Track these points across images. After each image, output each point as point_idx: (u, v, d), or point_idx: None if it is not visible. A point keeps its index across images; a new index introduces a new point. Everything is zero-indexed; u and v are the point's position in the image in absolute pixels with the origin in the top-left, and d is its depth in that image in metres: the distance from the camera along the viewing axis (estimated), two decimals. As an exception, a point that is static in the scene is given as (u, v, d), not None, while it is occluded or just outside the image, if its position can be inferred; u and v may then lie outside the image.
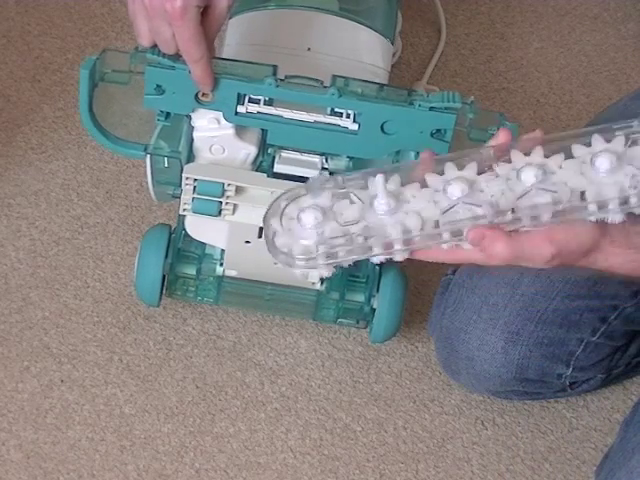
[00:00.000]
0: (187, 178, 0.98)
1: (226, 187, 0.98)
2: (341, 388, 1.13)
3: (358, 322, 1.12)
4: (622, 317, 1.04)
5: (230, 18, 1.11)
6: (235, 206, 1.00)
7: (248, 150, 0.98)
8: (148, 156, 1.00)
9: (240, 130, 0.97)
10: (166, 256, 1.07)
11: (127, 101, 0.98)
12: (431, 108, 0.92)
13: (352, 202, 0.73)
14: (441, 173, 0.74)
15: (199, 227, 1.04)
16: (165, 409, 1.09)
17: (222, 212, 1.00)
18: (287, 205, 0.75)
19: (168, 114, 0.96)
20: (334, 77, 0.94)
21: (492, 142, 0.76)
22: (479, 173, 0.73)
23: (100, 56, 0.95)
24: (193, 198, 0.99)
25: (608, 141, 0.73)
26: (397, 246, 0.72)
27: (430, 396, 1.13)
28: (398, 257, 0.73)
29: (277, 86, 0.92)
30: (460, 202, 0.71)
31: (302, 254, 0.72)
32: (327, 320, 1.12)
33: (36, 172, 1.25)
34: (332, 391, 1.12)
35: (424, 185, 0.74)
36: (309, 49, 1.06)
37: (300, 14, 1.09)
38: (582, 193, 0.71)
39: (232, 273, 1.06)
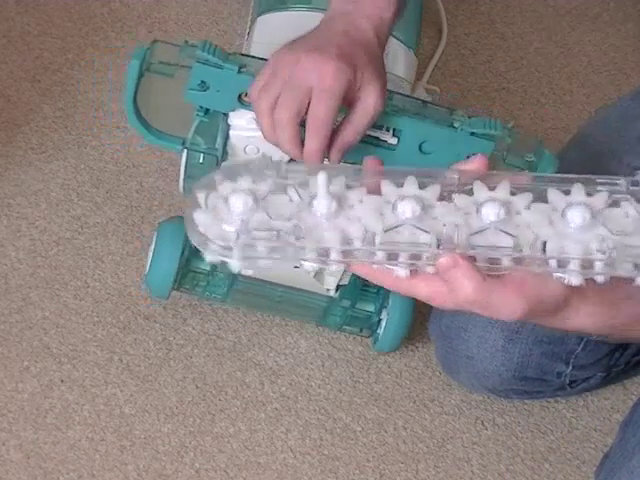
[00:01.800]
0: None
1: None
2: (341, 388, 1.13)
3: (362, 331, 1.12)
4: None
5: (258, 16, 1.11)
6: None
7: (281, 152, 0.98)
8: (185, 150, 1.00)
9: None
10: (183, 249, 1.07)
11: (166, 94, 0.98)
12: (472, 133, 0.92)
13: (290, 197, 0.66)
14: (400, 185, 0.66)
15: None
16: (165, 409, 1.09)
17: None
18: (221, 181, 0.66)
19: (207, 110, 0.96)
20: None
21: (463, 165, 0.68)
22: (440, 199, 0.65)
23: (151, 46, 0.95)
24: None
25: (589, 194, 0.65)
26: (334, 255, 0.63)
27: (430, 396, 1.13)
28: (333, 267, 0.66)
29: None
30: (407, 223, 0.64)
31: (219, 239, 0.64)
32: (332, 326, 1.12)
33: (36, 172, 1.25)
34: (332, 391, 1.12)
35: (374, 192, 0.67)
36: None
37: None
38: (544, 244, 0.63)
39: (249, 272, 1.06)
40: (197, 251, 1.07)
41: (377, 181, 0.66)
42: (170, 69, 0.95)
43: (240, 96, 0.93)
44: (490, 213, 0.63)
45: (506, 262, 0.63)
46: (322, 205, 0.64)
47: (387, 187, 0.66)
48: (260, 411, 1.10)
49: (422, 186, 0.65)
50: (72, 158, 1.27)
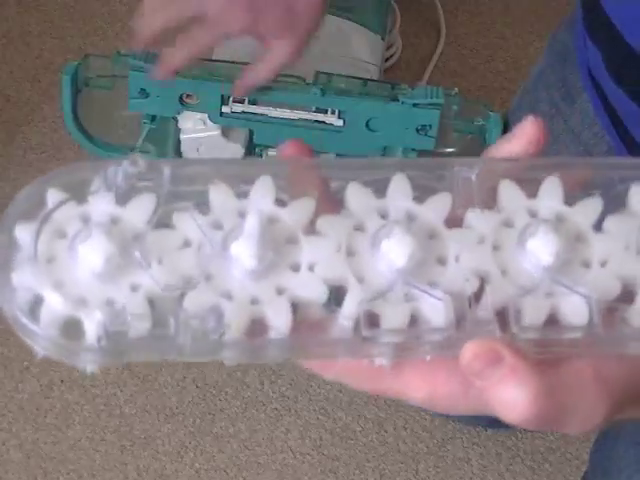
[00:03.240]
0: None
1: None
2: (341, 388, 1.13)
3: None
4: None
5: None
6: None
7: (234, 150, 0.98)
8: None
9: (226, 130, 0.97)
10: None
11: (110, 105, 0.99)
12: (415, 104, 0.92)
13: (185, 239, 0.38)
14: (377, 191, 0.40)
15: None
16: (165, 409, 1.09)
17: None
18: (59, 205, 0.40)
19: (154, 117, 0.97)
20: (317, 73, 0.94)
21: (498, 147, 0.42)
22: (450, 223, 0.40)
23: (82, 61, 0.95)
24: None
25: None
26: (275, 349, 0.38)
27: (430, 396, 1.13)
28: (274, 359, 0.39)
29: (260, 87, 0.92)
30: (400, 282, 0.38)
31: (53, 324, 0.38)
32: None
33: (36, 172, 1.24)
34: (332, 391, 1.12)
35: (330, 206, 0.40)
36: None
37: None
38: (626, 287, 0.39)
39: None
40: None
41: (329, 183, 0.40)
42: (108, 82, 0.96)
43: (182, 98, 0.93)
44: (542, 252, 0.38)
45: (566, 343, 0.39)
46: (250, 256, 0.37)
47: (356, 198, 0.40)
48: (260, 411, 1.10)
49: (418, 192, 0.40)
50: (72, 158, 1.27)
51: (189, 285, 0.37)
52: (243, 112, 0.94)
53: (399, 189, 0.39)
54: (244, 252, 0.37)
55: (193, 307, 0.37)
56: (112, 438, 1.07)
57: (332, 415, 1.11)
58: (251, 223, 0.37)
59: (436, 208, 0.39)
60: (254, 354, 0.38)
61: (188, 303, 0.37)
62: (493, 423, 1.09)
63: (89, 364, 0.38)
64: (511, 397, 0.36)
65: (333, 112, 0.94)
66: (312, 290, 0.38)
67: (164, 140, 1.00)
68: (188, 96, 0.93)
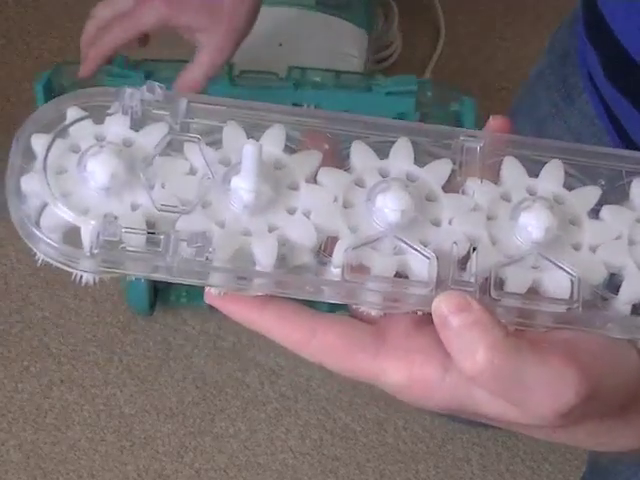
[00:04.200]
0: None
1: None
2: (341, 388, 1.13)
3: None
4: None
5: None
6: None
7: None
8: None
9: None
10: None
11: None
12: (388, 93, 0.91)
13: (191, 167, 0.40)
14: (382, 153, 0.42)
15: None
16: (165, 409, 1.09)
17: None
18: (76, 120, 0.41)
19: None
20: (290, 68, 0.93)
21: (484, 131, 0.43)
22: (449, 190, 0.41)
23: (54, 70, 0.95)
24: None
25: None
26: (260, 281, 0.39)
27: (430, 396, 1.13)
28: (255, 291, 0.40)
29: (233, 84, 0.91)
30: (391, 235, 0.39)
31: (55, 231, 0.39)
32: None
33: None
34: (332, 391, 1.12)
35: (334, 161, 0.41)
36: (280, 44, 1.05)
37: (274, 11, 1.08)
38: (617, 284, 0.40)
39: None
40: None
41: (338, 139, 0.42)
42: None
43: None
44: (534, 226, 0.39)
45: (546, 317, 0.39)
46: (247, 190, 0.39)
47: (360, 155, 0.41)
48: (260, 411, 1.10)
49: (420, 157, 0.42)
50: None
51: (185, 209, 0.39)
52: None
53: (401, 151, 0.41)
54: (243, 186, 0.39)
55: (185, 228, 0.39)
56: (112, 438, 1.07)
57: (332, 415, 1.11)
58: (250, 159, 0.38)
59: (436, 172, 0.41)
60: (238, 283, 0.39)
61: (181, 224, 0.39)
62: None
63: (86, 273, 0.39)
64: (470, 343, 0.36)
65: (308, 106, 0.93)
66: (302, 233, 0.39)
67: None
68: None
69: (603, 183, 0.42)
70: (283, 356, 1.14)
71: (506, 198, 0.41)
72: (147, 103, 0.41)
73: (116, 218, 0.38)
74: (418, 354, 0.38)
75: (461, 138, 0.41)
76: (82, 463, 1.05)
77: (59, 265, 0.39)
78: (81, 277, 0.39)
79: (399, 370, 0.38)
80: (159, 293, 1.11)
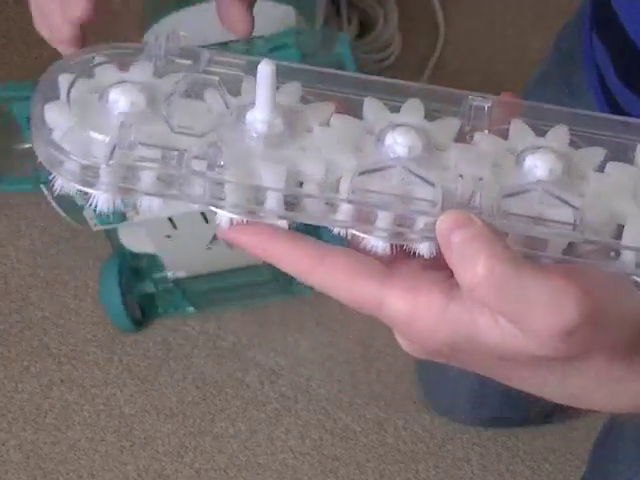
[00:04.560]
0: (79, 192, 0.96)
1: None
2: (341, 388, 1.13)
3: None
4: None
5: (156, 23, 1.10)
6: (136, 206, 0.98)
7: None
8: (45, 188, 0.99)
9: None
10: (120, 280, 1.07)
11: (10, 140, 0.97)
12: (271, 49, 0.90)
13: (209, 102, 0.42)
14: (394, 109, 0.44)
15: (130, 238, 1.04)
16: (165, 409, 1.09)
17: (127, 216, 0.98)
18: (102, 63, 0.43)
19: None
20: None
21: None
22: (459, 139, 0.43)
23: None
24: (94, 211, 0.97)
25: None
26: (271, 204, 0.40)
27: (430, 396, 1.13)
28: (266, 215, 0.41)
29: None
30: (399, 165, 0.40)
31: (81, 153, 0.40)
32: (302, 291, 1.12)
33: (36, 172, 1.25)
34: (332, 391, 1.12)
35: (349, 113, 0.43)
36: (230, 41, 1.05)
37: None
38: (620, 228, 0.41)
39: (182, 274, 1.07)
40: (134, 275, 1.08)
41: (354, 97, 0.44)
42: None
43: None
44: (538, 167, 0.41)
45: (555, 247, 0.40)
46: (261, 121, 0.40)
47: (372, 108, 0.43)
48: (260, 411, 1.10)
49: (430, 117, 0.43)
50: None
51: (201, 133, 0.41)
52: None
53: (412, 108, 0.43)
54: (258, 116, 0.40)
55: (197, 148, 0.40)
56: (112, 438, 1.07)
57: (332, 415, 1.11)
58: (265, 78, 0.40)
59: (445, 127, 0.43)
60: (250, 205, 0.40)
61: (194, 145, 0.40)
62: (492, 423, 1.09)
63: (103, 193, 0.41)
64: (471, 256, 0.37)
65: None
66: (314, 164, 0.40)
67: None
68: None
69: (609, 148, 0.43)
70: (283, 356, 1.14)
71: (512, 151, 0.42)
72: (170, 51, 0.43)
73: (133, 137, 0.40)
74: (424, 286, 0.38)
75: (470, 97, 0.44)
76: (82, 463, 1.05)
77: (78, 187, 0.41)
78: (96, 205, 0.42)
79: (404, 299, 0.38)
80: (145, 307, 1.11)
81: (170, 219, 0.99)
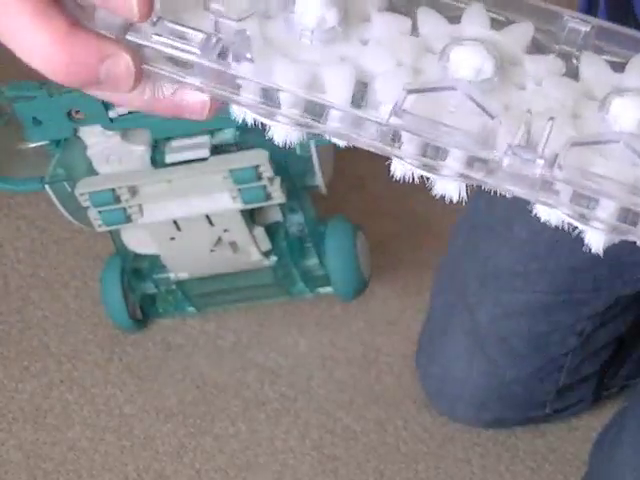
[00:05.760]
0: (81, 195, 0.97)
1: (118, 192, 0.97)
2: (341, 388, 1.13)
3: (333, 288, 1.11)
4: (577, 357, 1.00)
5: None
6: (140, 208, 0.99)
7: (139, 150, 0.97)
8: (49, 188, 0.99)
9: (127, 134, 0.96)
10: (122, 280, 1.08)
11: (13, 139, 0.97)
12: None
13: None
14: (453, 20, 0.38)
15: (133, 239, 1.04)
16: (165, 409, 1.09)
17: (131, 218, 0.99)
18: None
19: (58, 141, 0.96)
20: None
21: None
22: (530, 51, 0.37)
23: None
24: (99, 212, 0.98)
25: None
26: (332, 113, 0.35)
27: (430, 396, 1.13)
28: (297, 134, 0.37)
29: None
30: (461, 88, 0.35)
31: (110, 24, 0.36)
32: (303, 292, 1.12)
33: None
34: (332, 391, 1.12)
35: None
36: None
37: None
38: None
39: (184, 275, 1.07)
40: (136, 276, 1.08)
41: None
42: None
43: (70, 115, 0.92)
44: (627, 115, 0.35)
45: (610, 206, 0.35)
46: (312, 17, 0.36)
47: (426, 19, 0.37)
48: (260, 411, 1.10)
49: (498, 27, 0.37)
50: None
51: (237, 17, 0.35)
52: (129, 112, 0.92)
53: (475, 16, 0.37)
54: (306, 8, 0.35)
55: (228, 31, 0.35)
56: (112, 438, 1.07)
57: (332, 415, 1.11)
58: None
59: (516, 35, 0.37)
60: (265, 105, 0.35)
61: (225, 27, 0.35)
62: (493, 424, 1.09)
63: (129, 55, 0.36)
64: None
65: None
66: (376, 60, 0.35)
67: (75, 161, 0.99)
68: (77, 112, 0.91)
69: None
70: (283, 356, 1.14)
71: (589, 94, 0.36)
72: None
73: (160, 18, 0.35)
74: None
75: (565, 18, 0.37)
76: (82, 463, 1.05)
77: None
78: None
79: None
80: (146, 307, 1.11)
81: (175, 221, 0.99)
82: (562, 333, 0.96)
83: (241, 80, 0.35)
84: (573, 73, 0.37)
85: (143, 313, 1.12)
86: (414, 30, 0.37)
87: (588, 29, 0.36)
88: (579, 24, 0.36)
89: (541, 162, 0.34)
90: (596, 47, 0.37)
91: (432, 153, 0.34)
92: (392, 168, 0.36)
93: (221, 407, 1.10)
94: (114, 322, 1.11)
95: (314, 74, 0.35)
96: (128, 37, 0.36)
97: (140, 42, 0.36)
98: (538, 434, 1.12)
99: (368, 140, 0.35)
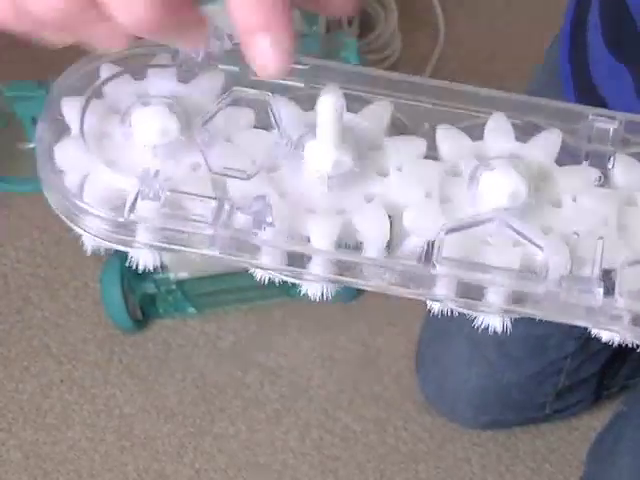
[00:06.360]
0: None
1: None
2: (341, 388, 1.13)
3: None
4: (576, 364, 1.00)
5: None
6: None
7: None
8: None
9: None
10: (122, 280, 1.08)
11: (13, 140, 0.97)
12: None
13: (259, 134, 0.34)
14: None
15: None
16: (165, 409, 1.09)
17: None
18: (115, 76, 0.36)
19: None
20: None
21: None
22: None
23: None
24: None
25: None
26: (315, 261, 0.35)
27: (430, 396, 1.13)
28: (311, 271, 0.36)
29: None
30: (500, 219, 0.33)
31: (100, 202, 0.34)
32: (306, 295, 1.12)
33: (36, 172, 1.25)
34: (332, 391, 1.12)
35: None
36: None
37: None
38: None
39: (184, 275, 1.07)
40: (136, 275, 1.08)
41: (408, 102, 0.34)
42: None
43: None
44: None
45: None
46: (323, 160, 0.32)
47: (447, 139, 0.35)
48: (260, 411, 1.10)
49: (522, 136, 0.35)
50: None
51: (246, 174, 0.32)
52: None
53: (499, 128, 0.34)
54: (318, 152, 0.31)
55: (243, 194, 0.31)
56: (112, 438, 1.07)
57: (332, 415, 1.11)
58: (327, 114, 0.31)
59: (544, 145, 0.34)
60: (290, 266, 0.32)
61: (238, 190, 0.32)
62: (493, 425, 1.09)
63: (141, 249, 0.34)
64: None
65: None
66: (375, 226, 0.32)
67: None
68: None
69: None
70: (283, 356, 1.14)
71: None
72: (210, 56, 0.34)
73: (160, 176, 0.32)
74: None
75: (590, 117, 0.34)
76: (82, 463, 1.05)
77: (109, 246, 0.34)
78: (137, 264, 0.34)
79: None
80: (146, 307, 1.11)
81: None
82: (559, 337, 0.96)
83: (264, 246, 0.32)
84: (607, 179, 0.34)
85: (143, 313, 1.12)
86: (430, 150, 0.34)
87: (616, 126, 0.34)
88: (606, 122, 0.34)
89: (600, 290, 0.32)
90: (625, 141, 0.34)
91: (473, 293, 0.33)
92: (428, 305, 0.35)
93: (221, 407, 1.10)
94: (114, 322, 1.11)
95: (344, 224, 0.33)
96: (132, 217, 0.33)
97: (146, 222, 0.33)
98: (538, 434, 1.12)
99: (401, 289, 0.34)
